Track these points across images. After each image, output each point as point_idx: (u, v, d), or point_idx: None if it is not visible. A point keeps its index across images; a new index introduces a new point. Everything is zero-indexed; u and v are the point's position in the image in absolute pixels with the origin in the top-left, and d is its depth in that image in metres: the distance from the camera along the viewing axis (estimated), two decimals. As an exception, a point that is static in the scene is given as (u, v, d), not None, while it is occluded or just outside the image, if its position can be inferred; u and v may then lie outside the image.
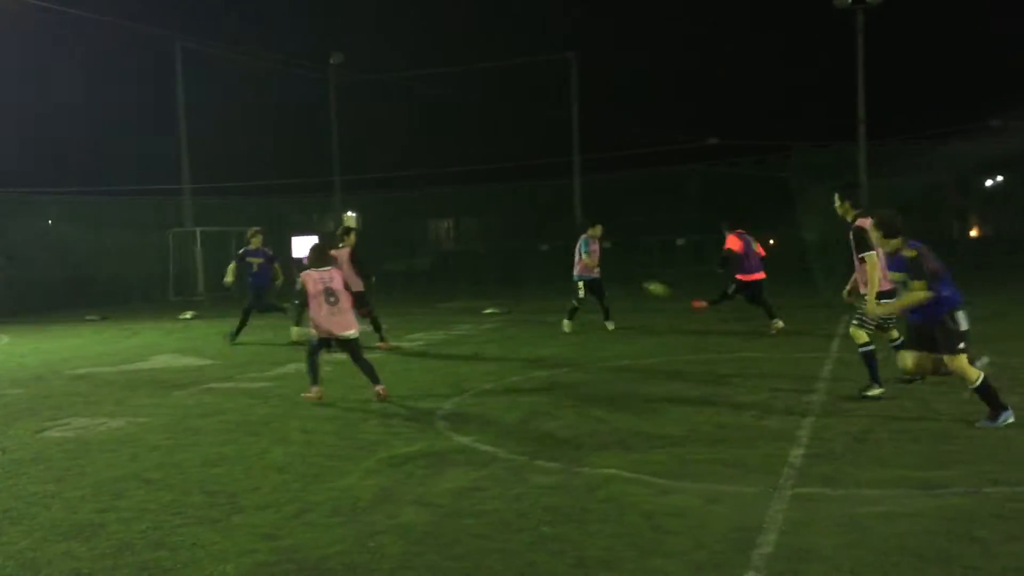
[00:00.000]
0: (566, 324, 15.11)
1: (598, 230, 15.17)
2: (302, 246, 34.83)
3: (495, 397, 9.46)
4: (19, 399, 10.33)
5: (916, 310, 7.28)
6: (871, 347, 8.52)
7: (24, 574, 4.75)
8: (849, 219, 8.63)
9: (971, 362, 7.14)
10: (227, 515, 5.64)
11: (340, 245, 13.26)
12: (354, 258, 13.27)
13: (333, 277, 9.26)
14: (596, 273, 15.12)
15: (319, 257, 9.43)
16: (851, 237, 8.44)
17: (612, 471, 6.30)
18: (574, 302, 15.12)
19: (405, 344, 14.29)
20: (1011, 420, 7.10)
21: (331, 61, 35.37)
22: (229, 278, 15.57)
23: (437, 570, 4.65)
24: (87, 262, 27.26)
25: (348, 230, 13.84)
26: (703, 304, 15.11)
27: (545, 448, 7.06)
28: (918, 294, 7.14)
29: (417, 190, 35.10)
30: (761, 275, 14.12)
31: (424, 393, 9.76)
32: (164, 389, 10.70)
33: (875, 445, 6.81)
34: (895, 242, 7.36)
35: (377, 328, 13.71)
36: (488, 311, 19.40)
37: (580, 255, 14.99)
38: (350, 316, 9.30)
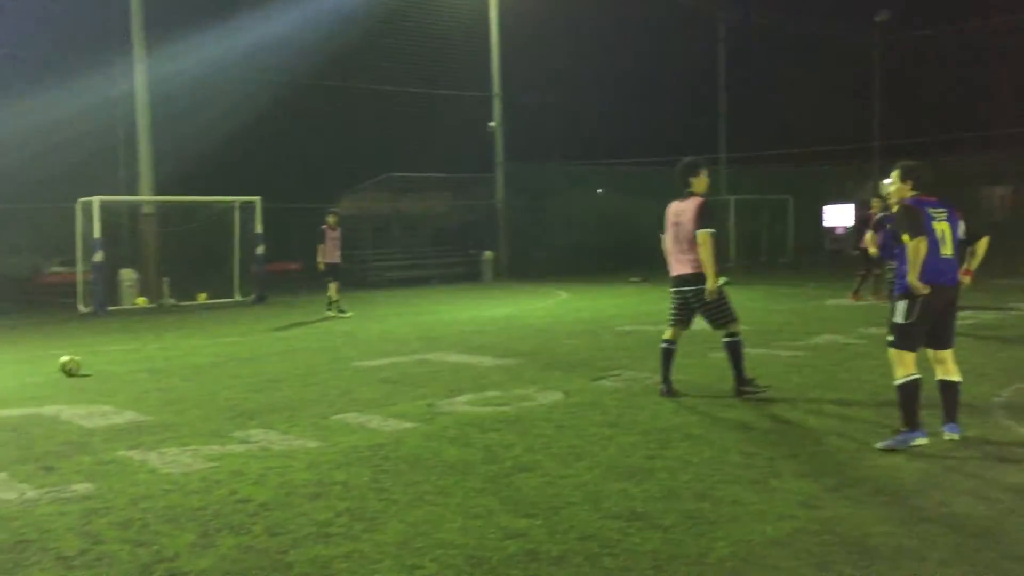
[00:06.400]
0: None
1: None
2: (834, 215, 33.91)
3: (1065, 389, 8.30)
4: (577, 349, 11.57)
5: None
6: None
7: (588, 504, 5.33)
8: None
9: None
10: (765, 477, 5.75)
11: None
12: None
13: None
14: None
15: None
16: None
17: None
18: None
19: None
20: None
21: (876, 19, 33.63)
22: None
23: (996, 570, 4.25)
24: (630, 228, 29.47)
25: None
26: None
27: None
28: None
29: (965, 156, 31.91)
30: None
31: (976, 377, 8.91)
32: (702, 350, 11.19)
33: None
34: None
35: None
36: (1054, 291, 17.04)
37: None
38: None
